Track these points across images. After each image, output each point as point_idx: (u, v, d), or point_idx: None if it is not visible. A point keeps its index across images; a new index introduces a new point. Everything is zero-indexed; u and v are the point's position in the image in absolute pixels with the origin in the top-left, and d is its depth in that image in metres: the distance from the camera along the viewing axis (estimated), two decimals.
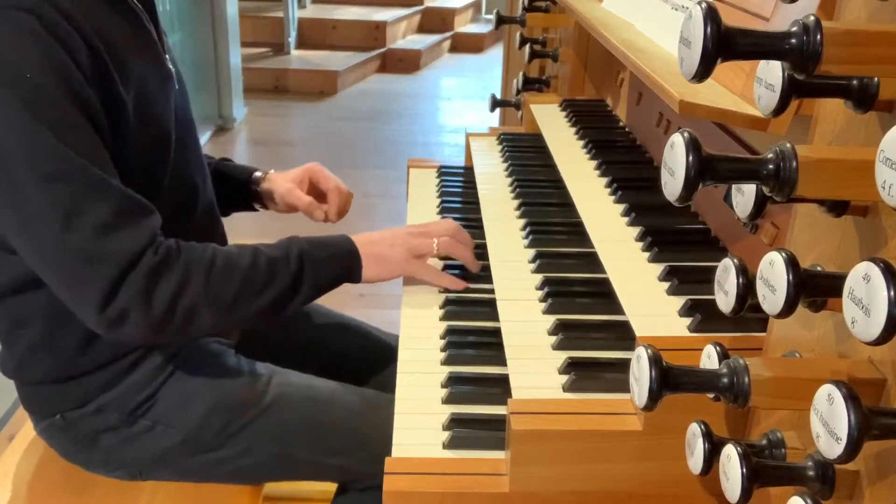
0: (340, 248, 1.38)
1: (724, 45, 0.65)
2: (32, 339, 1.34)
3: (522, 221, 1.56)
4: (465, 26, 8.76)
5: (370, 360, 1.65)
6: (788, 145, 0.69)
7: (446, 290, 1.45)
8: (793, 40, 0.64)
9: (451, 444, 1.10)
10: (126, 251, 1.18)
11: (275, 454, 1.40)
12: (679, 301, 1.13)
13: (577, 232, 1.45)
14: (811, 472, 0.72)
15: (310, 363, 1.61)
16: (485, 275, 1.46)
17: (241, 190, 1.69)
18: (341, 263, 1.37)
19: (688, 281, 1.16)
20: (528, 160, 1.88)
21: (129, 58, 1.26)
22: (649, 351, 0.78)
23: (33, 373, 1.38)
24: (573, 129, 1.87)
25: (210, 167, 1.67)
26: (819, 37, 0.63)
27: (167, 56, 1.37)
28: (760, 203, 0.78)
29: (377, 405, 1.43)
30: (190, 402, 1.38)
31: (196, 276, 1.23)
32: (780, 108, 0.71)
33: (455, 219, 1.69)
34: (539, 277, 1.36)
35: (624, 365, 0.91)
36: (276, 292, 1.29)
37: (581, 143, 1.78)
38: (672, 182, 0.72)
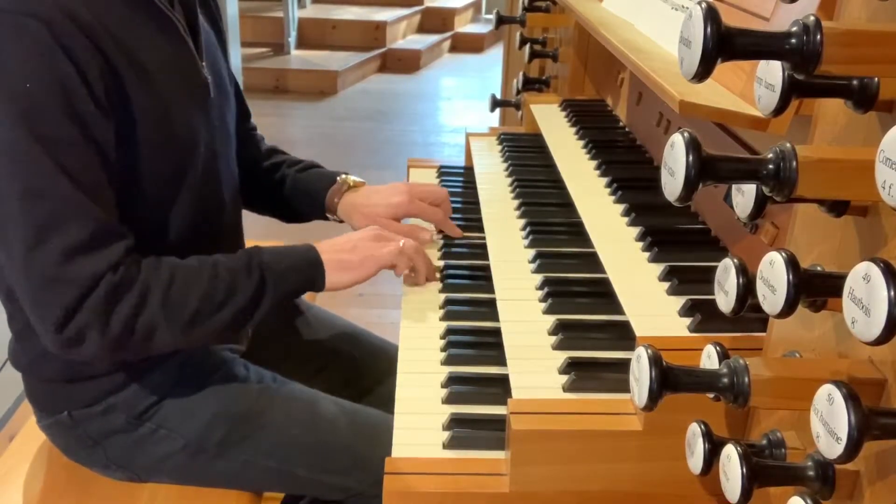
0: (302, 259, 1.36)
1: (724, 45, 0.65)
2: None
3: (522, 221, 1.56)
4: (465, 26, 8.76)
5: (376, 367, 1.64)
6: (788, 145, 0.69)
7: (446, 290, 1.45)
8: (793, 40, 0.64)
9: (451, 445, 1.10)
10: (88, 275, 1.17)
11: (274, 469, 1.40)
12: (679, 301, 1.13)
13: (577, 232, 1.45)
14: (811, 472, 0.72)
15: (316, 371, 1.62)
16: (485, 275, 1.46)
17: (317, 207, 1.66)
18: (303, 274, 1.35)
19: (688, 281, 1.16)
20: (528, 160, 1.88)
21: (153, 66, 1.24)
22: (649, 351, 0.78)
23: (45, 370, 1.37)
24: (573, 129, 1.87)
25: (288, 178, 1.65)
26: (819, 37, 0.63)
27: (203, 65, 1.36)
28: (760, 203, 0.78)
29: (379, 427, 1.41)
30: (194, 409, 1.38)
31: (154, 296, 1.21)
32: (780, 108, 0.71)
33: (455, 219, 1.69)
34: (539, 277, 1.36)
35: (624, 365, 0.91)
36: (238, 307, 1.28)
37: (581, 143, 1.78)
38: (672, 182, 0.72)
